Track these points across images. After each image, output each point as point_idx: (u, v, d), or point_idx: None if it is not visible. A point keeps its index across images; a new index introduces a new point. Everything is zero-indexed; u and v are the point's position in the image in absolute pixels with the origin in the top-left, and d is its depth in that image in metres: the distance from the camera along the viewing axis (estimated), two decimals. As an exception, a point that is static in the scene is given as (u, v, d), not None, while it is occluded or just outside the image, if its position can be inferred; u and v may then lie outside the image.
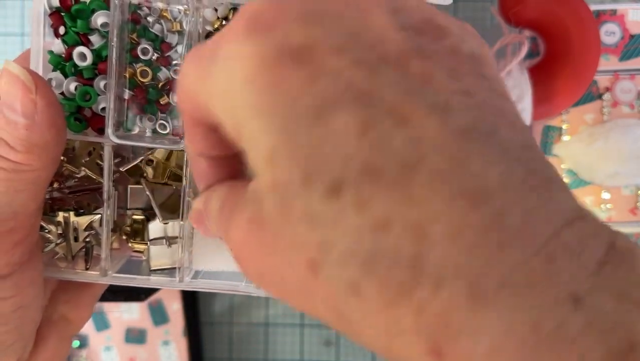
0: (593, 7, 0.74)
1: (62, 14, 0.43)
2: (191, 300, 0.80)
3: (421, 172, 0.22)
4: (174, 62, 0.44)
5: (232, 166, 0.34)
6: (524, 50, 0.72)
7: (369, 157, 0.22)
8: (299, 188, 0.23)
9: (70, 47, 0.43)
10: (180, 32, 0.44)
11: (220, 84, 0.25)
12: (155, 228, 0.47)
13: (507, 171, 0.22)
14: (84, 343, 0.79)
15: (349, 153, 0.22)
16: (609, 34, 0.77)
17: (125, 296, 0.73)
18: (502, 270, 0.21)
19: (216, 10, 0.43)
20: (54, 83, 0.43)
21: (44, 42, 0.43)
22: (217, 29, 0.43)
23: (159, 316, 0.79)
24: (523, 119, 0.27)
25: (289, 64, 0.23)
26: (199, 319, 0.81)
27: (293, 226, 0.24)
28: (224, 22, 0.43)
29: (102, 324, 0.79)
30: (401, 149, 0.22)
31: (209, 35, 0.44)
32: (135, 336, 0.80)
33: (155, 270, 0.47)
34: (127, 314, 0.79)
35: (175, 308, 0.79)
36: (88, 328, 0.79)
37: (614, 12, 0.76)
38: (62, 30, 0.43)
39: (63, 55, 0.44)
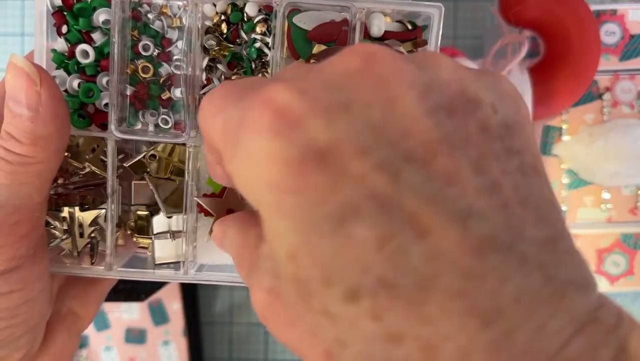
0: (593, 7, 0.74)
1: (65, 12, 0.43)
2: (191, 300, 0.80)
3: (436, 290, 0.22)
4: (175, 57, 0.45)
5: None
6: (524, 50, 0.73)
7: (386, 272, 0.22)
8: (319, 287, 0.24)
9: (73, 45, 0.44)
10: (180, 28, 0.44)
11: (243, 174, 0.26)
12: (159, 222, 0.48)
13: (522, 285, 0.23)
14: (84, 343, 0.80)
15: (366, 265, 0.22)
16: (609, 34, 0.77)
17: (125, 296, 0.73)
18: None
19: (215, 5, 0.43)
20: (57, 81, 0.44)
21: (47, 42, 0.43)
22: (216, 24, 0.43)
23: (159, 316, 0.79)
24: (552, 191, 0.27)
25: (313, 167, 0.23)
26: (199, 319, 0.81)
27: (312, 317, 0.24)
28: (222, 17, 0.43)
29: (102, 324, 0.79)
30: (418, 266, 0.22)
31: (208, 31, 0.44)
32: (135, 336, 0.80)
33: (160, 264, 0.48)
34: (127, 314, 0.79)
35: (175, 308, 0.79)
36: (88, 328, 0.79)
37: (614, 12, 0.76)
38: (64, 29, 0.44)
39: (66, 54, 0.44)
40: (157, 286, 0.74)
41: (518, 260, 0.23)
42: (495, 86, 0.28)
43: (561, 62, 0.73)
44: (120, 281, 0.69)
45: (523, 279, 0.23)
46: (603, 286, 0.80)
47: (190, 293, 0.80)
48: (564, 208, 0.79)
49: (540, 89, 0.73)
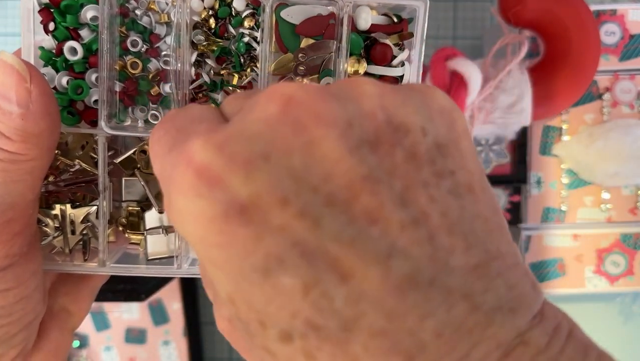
0: (593, 7, 0.75)
1: (52, 9, 0.43)
2: (191, 300, 0.80)
3: (359, 331, 0.23)
4: (163, 53, 0.45)
5: None
6: (524, 50, 0.73)
7: (312, 316, 0.24)
8: (257, 328, 0.25)
9: (61, 42, 0.44)
10: (168, 24, 0.44)
11: (177, 227, 0.27)
12: (151, 217, 0.48)
13: (444, 318, 0.23)
14: (84, 343, 0.80)
15: (295, 310, 0.24)
16: (609, 34, 0.77)
17: (125, 296, 0.73)
18: None
19: (202, 0, 0.43)
20: (46, 78, 0.43)
21: (34, 39, 0.44)
22: (204, 19, 0.44)
23: (159, 316, 0.80)
24: (492, 205, 0.27)
25: (236, 222, 0.24)
26: (199, 319, 0.82)
27: (258, 351, 0.26)
28: (210, 12, 0.43)
29: (102, 324, 0.79)
30: (341, 308, 0.23)
31: (196, 26, 0.44)
32: (135, 336, 0.80)
33: (152, 260, 0.48)
34: (127, 314, 0.79)
35: (175, 308, 0.79)
36: (88, 328, 0.79)
37: (614, 12, 0.76)
38: (51, 26, 0.44)
39: (54, 51, 0.44)
40: (157, 286, 0.74)
41: (441, 293, 0.24)
42: (424, 104, 0.28)
43: (561, 62, 0.73)
44: (120, 281, 0.70)
45: (446, 313, 0.23)
46: (603, 286, 0.80)
47: (191, 293, 0.80)
48: (563, 208, 0.79)
49: (540, 89, 0.73)
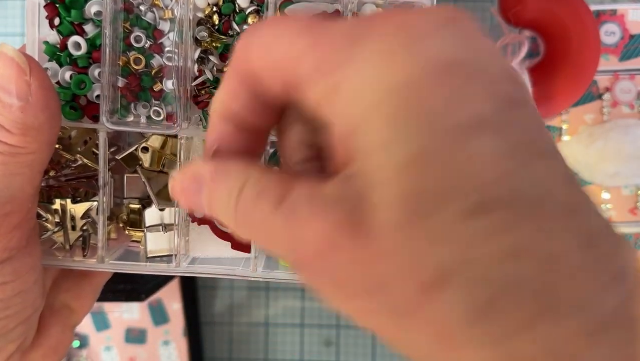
0: (593, 7, 0.74)
1: (57, 4, 0.43)
2: (191, 300, 0.80)
3: (555, 207, 0.22)
4: (167, 49, 0.45)
5: (254, 142, 0.32)
6: (524, 50, 0.72)
7: (516, 184, 0.22)
8: (435, 203, 0.22)
9: (65, 37, 0.44)
10: (172, 20, 0.44)
11: (354, 81, 0.24)
12: (151, 215, 0.48)
13: (601, 218, 0.24)
14: (84, 343, 0.79)
15: (495, 177, 0.22)
16: (609, 34, 0.77)
17: (125, 296, 0.72)
18: (610, 307, 0.22)
19: (207, -4, 0.43)
20: (49, 73, 0.44)
21: (38, 34, 0.44)
22: (208, 16, 0.44)
23: (159, 316, 0.79)
24: None
25: (441, 77, 0.23)
26: (199, 319, 0.81)
27: (416, 242, 0.23)
28: (214, 9, 0.43)
29: (102, 324, 0.79)
30: (544, 181, 0.23)
31: (200, 22, 0.44)
32: (135, 336, 0.80)
33: (152, 257, 0.47)
34: (127, 314, 0.79)
35: (175, 308, 0.79)
36: (88, 328, 0.79)
37: (614, 12, 0.76)
38: (56, 21, 0.44)
39: (58, 46, 0.44)
40: (157, 286, 0.74)
41: (588, 200, 0.25)
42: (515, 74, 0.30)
43: (561, 62, 0.73)
44: (121, 281, 0.70)
45: (597, 215, 0.25)
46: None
47: (190, 293, 0.79)
48: (564, 207, 0.79)
49: (540, 89, 0.73)
